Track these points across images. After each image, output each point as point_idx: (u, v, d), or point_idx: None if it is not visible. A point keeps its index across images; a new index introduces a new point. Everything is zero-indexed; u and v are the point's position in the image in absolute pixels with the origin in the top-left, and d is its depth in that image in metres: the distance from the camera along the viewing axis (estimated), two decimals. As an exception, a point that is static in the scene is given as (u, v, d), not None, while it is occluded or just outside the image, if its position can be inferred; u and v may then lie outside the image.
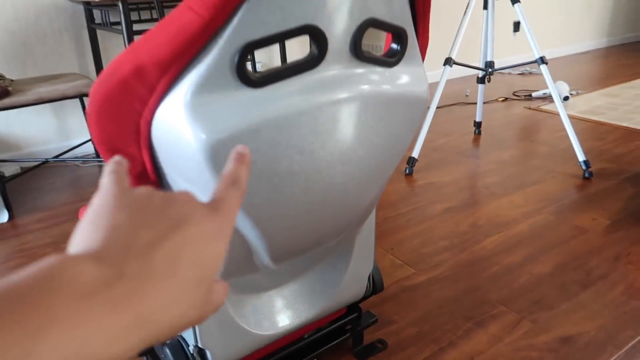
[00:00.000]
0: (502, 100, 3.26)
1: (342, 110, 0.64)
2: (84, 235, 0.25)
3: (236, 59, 0.55)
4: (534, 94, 3.30)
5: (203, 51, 0.55)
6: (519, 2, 2.16)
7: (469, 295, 1.30)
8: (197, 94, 0.55)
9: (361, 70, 0.66)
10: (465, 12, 2.20)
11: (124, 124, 0.59)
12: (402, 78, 0.70)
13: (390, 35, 0.70)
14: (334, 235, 0.81)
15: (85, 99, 2.41)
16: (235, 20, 0.54)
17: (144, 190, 0.29)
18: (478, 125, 2.59)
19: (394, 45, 0.70)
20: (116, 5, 1.98)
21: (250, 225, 0.66)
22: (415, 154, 2.12)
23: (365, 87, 0.65)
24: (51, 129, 2.45)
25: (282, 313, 0.89)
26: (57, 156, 2.40)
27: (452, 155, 2.32)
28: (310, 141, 0.63)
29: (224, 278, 0.77)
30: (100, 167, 2.35)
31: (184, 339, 0.81)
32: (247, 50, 0.55)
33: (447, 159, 2.27)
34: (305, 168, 0.64)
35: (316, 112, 0.61)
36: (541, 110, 2.99)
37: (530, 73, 4.06)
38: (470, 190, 1.95)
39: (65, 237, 1.70)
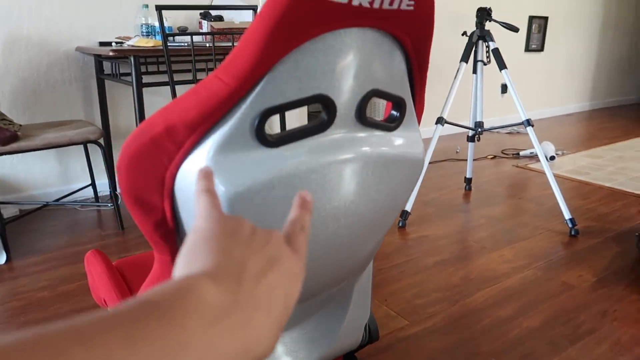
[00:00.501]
0: (491, 158, 3.38)
1: (346, 169, 0.71)
2: (197, 255, 0.27)
3: (256, 122, 0.62)
4: (521, 153, 3.43)
5: (228, 115, 0.62)
6: (506, 68, 2.31)
7: (461, 347, 1.33)
8: (220, 152, 0.62)
9: (364, 134, 0.73)
10: (456, 76, 2.34)
11: (151, 176, 0.65)
12: (401, 141, 0.78)
13: (390, 104, 0.79)
14: (335, 283, 0.86)
15: (89, 145, 2.48)
16: (257, 89, 0.61)
17: (240, 219, 0.30)
18: (468, 181, 2.69)
19: (394, 112, 0.78)
20: (127, 58, 2.09)
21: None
22: (408, 207, 2.19)
23: (367, 148, 0.73)
24: (53, 173, 2.51)
25: (282, 359, 0.92)
26: (57, 200, 2.44)
27: (443, 209, 2.40)
28: (319, 196, 0.69)
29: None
30: (99, 210, 2.39)
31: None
32: (266, 116, 0.63)
33: (439, 213, 2.34)
34: (313, 221, 0.70)
35: (324, 170, 0.68)
36: (529, 169, 3.10)
37: (518, 132, 4.22)
38: (462, 244, 2.01)
39: (61, 281, 1.72)
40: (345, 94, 0.68)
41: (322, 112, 0.68)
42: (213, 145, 0.62)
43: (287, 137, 0.66)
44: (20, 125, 2.16)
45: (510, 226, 2.19)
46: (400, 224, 2.17)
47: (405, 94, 0.77)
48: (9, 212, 2.34)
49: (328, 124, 0.68)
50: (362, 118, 0.72)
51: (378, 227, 0.81)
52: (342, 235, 0.76)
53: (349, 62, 0.67)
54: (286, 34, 0.60)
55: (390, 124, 0.77)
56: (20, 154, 2.40)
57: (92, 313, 0.21)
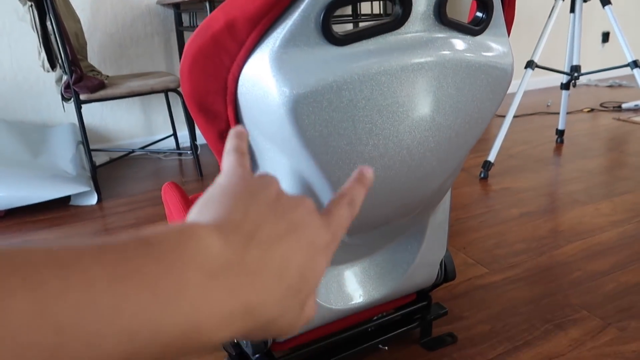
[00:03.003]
0: (588, 111, 3.08)
1: (422, 73, 0.63)
2: (210, 207, 0.25)
3: (322, 15, 0.57)
4: (624, 105, 3.09)
5: (291, 7, 0.57)
6: (610, 3, 2.04)
7: (547, 298, 1.23)
8: (283, 48, 0.57)
9: (444, 35, 0.65)
10: (550, 14, 2.11)
11: (213, 79, 0.62)
12: (486, 48, 0.69)
13: (474, 3, 0.69)
14: (407, 211, 0.80)
15: (170, 93, 2.56)
16: (323, -24, 0.55)
17: (269, 181, 0.28)
18: (560, 133, 2.46)
19: (479, 14, 0.69)
20: (203, 6, 2.10)
21: (326, 187, 0.67)
22: (491, 158, 2.05)
23: (447, 52, 0.65)
24: (138, 124, 2.63)
25: (351, 289, 0.88)
26: (142, 147, 2.56)
27: (530, 162, 2.22)
28: (390, 102, 0.63)
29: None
30: (180, 160, 2.49)
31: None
32: (333, 7, 0.57)
33: (525, 166, 2.17)
34: (383, 130, 0.64)
35: (397, 73, 0.62)
36: (632, 122, 2.79)
37: (620, 85, 3.81)
38: (551, 197, 1.85)
39: (145, 220, 1.80)
40: (422, -15, 0.60)
41: (396, 6, 0.61)
42: (276, 41, 0.58)
43: (357, 35, 0.60)
44: (108, 75, 2.27)
45: (608, 180, 1.98)
46: (482, 175, 2.04)
47: (493, -9, 0.67)
48: (100, 159, 2.50)
49: (402, 21, 0.61)
50: (442, 16, 0.64)
51: (455, 148, 0.74)
52: (415, 153, 0.69)
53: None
54: None
55: (475, 27, 0.68)
56: (109, 106, 2.53)
57: (81, 239, 0.20)
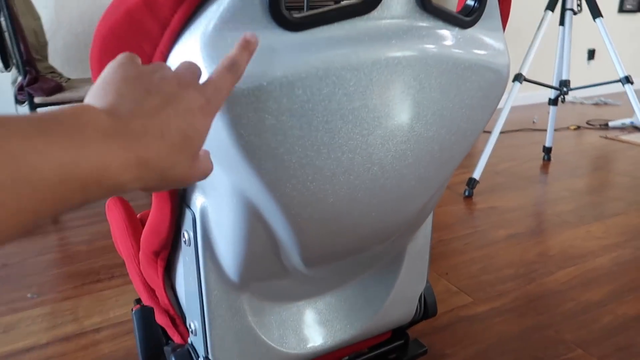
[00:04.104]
0: (574, 129, 3.00)
1: (398, 71, 0.50)
2: (98, 96, 0.32)
3: (269, -11, 0.44)
4: (610, 123, 3.02)
5: (228, -23, 0.44)
6: (601, 16, 1.96)
7: (538, 333, 1.10)
8: (219, 31, 0.44)
9: (427, 24, 0.52)
10: (539, 26, 2.03)
11: (131, 71, 0.48)
12: (478, 44, 0.56)
13: (465, -11, 0.57)
14: (381, 238, 0.67)
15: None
16: (270, -62, 0.42)
17: (151, 67, 0.36)
18: (547, 150, 2.37)
19: (470, 2, 0.56)
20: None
21: (276, 210, 0.54)
22: (476, 175, 1.93)
23: (431, 46, 0.52)
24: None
25: (313, 330, 0.74)
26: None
27: (517, 180, 2.11)
28: (357, 106, 0.50)
29: (246, 280, 0.64)
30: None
31: (193, 349, 0.69)
32: (284, -20, 0.44)
33: (511, 184, 2.07)
34: (348, 140, 0.51)
35: (366, 69, 0.48)
36: (620, 140, 2.71)
37: (606, 103, 3.76)
38: (539, 217, 1.74)
39: (100, 236, 1.64)
40: (400, -42, 0.48)
41: (366, -16, 0.48)
42: (210, 23, 0.44)
43: (316, 18, 0.47)
44: (69, 78, 2.11)
45: (598, 200, 1.88)
46: (467, 193, 1.92)
47: (487, -26, 0.55)
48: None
49: (375, 2, 0.48)
50: (425, 1, 0.51)
51: (440, 163, 0.61)
52: (390, 170, 0.56)
53: None
54: None
55: (465, 17, 0.55)
56: (72, 111, 2.37)
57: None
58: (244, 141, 0.46)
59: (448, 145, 0.59)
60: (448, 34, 0.54)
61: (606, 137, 2.78)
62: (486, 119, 0.62)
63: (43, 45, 2.05)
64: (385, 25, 0.50)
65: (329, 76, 0.47)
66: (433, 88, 0.54)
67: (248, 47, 0.39)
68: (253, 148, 0.47)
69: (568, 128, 3.02)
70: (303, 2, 2.01)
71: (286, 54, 0.46)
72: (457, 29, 0.55)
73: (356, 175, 0.54)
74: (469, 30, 0.56)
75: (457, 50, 0.54)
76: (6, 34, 1.77)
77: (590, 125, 3.08)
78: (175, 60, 0.47)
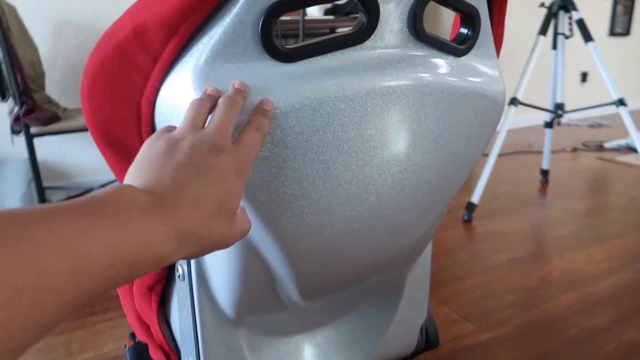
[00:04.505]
0: (571, 151, 3.01)
1: (393, 100, 0.50)
2: (135, 176, 0.34)
3: (261, 21, 0.43)
4: (606, 145, 3.03)
5: (220, 10, 0.43)
6: (593, 40, 1.99)
7: (542, 362, 1.07)
8: (210, 64, 0.43)
9: (421, 53, 0.52)
10: (532, 51, 2.05)
11: (122, 104, 0.48)
12: (472, 71, 0.56)
13: (458, 17, 0.57)
14: (379, 269, 0.65)
15: (135, 130, 2.40)
16: (262, -29, 0.42)
17: (183, 133, 0.37)
18: (545, 173, 2.37)
19: (463, 30, 0.56)
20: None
21: (271, 243, 0.52)
22: (475, 199, 1.92)
23: (425, 75, 0.52)
24: (100, 160, 2.46)
25: (311, 364, 0.72)
26: (103, 185, 2.38)
27: (515, 203, 2.10)
28: (352, 136, 0.49)
29: (242, 315, 0.62)
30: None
31: (188, 387, 0.66)
32: (276, 12, 0.43)
33: (510, 207, 2.05)
34: (344, 171, 0.50)
35: (361, 99, 0.48)
36: (616, 162, 2.72)
37: (600, 125, 3.79)
38: (538, 241, 1.72)
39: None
40: (392, -11, 0.48)
41: (360, 14, 0.48)
42: (201, 56, 0.44)
43: (309, 49, 0.46)
44: (66, 108, 2.12)
45: (597, 222, 1.87)
46: (466, 218, 1.91)
47: (480, 3, 0.55)
48: (57, 197, 2.31)
49: (368, 33, 0.48)
50: (418, 30, 0.51)
51: (438, 191, 0.60)
52: (387, 200, 0.55)
53: None
54: None
55: (459, 46, 0.55)
56: (68, 141, 2.37)
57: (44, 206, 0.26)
58: (237, 174, 0.45)
59: (445, 173, 0.58)
60: (442, 63, 0.54)
61: (602, 159, 2.79)
62: (483, 145, 0.61)
63: (40, 75, 2.06)
64: (379, 54, 0.49)
65: (323, 107, 0.46)
66: (429, 116, 0.53)
67: (267, 114, 0.42)
68: (247, 181, 0.46)
69: (564, 150, 3.03)
70: (298, 29, 2.03)
71: (279, 85, 0.45)
72: (451, 57, 0.55)
73: (353, 207, 0.53)
74: (464, 58, 0.56)
75: (452, 78, 0.54)
76: (3, 65, 1.78)
77: (586, 147, 3.09)
78: (167, 93, 0.46)
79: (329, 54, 0.47)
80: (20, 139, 1.94)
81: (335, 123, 0.47)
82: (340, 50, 0.48)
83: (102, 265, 0.26)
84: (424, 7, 0.50)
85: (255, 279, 0.57)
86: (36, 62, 2.03)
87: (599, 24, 4.07)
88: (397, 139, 0.52)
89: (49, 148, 2.32)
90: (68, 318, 0.25)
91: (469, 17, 0.55)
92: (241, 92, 0.41)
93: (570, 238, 1.73)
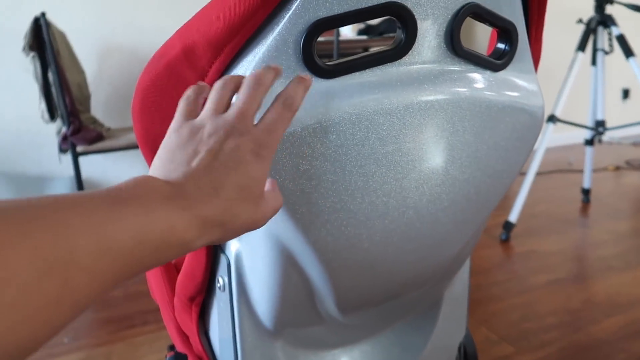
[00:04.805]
0: (614, 169, 2.92)
1: (431, 115, 0.51)
2: (157, 166, 0.36)
3: (302, 40, 0.45)
4: (651, 163, 2.92)
5: (263, 30, 0.46)
6: (634, 55, 1.94)
7: (588, 387, 1.03)
8: (254, 80, 0.45)
9: (458, 68, 0.53)
10: (571, 67, 2.01)
11: (170, 119, 0.50)
12: (510, 86, 0.56)
13: (495, 33, 0.58)
14: (417, 284, 0.65)
15: (174, 149, 2.48)
16: (304, -8, 0.44)
17: (202, 119, 0.37)
18: (586, 192, 2.30)
19: (501, 45, 0.56)
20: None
21: (310, 255, 0.53)
22: (512, 218, 1.88)
23: (463, 89, 0.52)
24: (141, 178, 2.54)
25: (348, 380, 0.72)
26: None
27: (555, 222, 2.05)
28: (390, 150, 0.50)
29: (280, 327, 0.63)
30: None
31: (226, 398, 0.67)
32: (317, 30, 0.45)
33: (550, 227, 2.00)
34: (383, 184, 0.51)
35: (399, 113, 0.49)
36: (662, 180, 2.61)
37: (645, 143, 3.65)
38: (581, 262, 1.66)
39: (137, 280, 1.66)
40: (429, 5, 0.49)
41: (398, 31, 0.49)
42: (245, 72, 0.46)
43: (348, 65, 0.48)
44: (110, 128, 2.21)
45: (644, 244, 1.79)
46: (503, 237, 1.87)
47: (517, 18, 0.55)
48: (99, 214, 2.39)
49: (406, 49, 0.49)
50: (456, 45, 0.52)
51: (476, 206, 0.60)
52: (425, 214, 0.55)
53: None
54: None
55: (496, 61, 0.55)
56: (111, 159, 2.46)
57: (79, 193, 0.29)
58: (280, 185, 0.47)
59: (484, 187, 0.58)
60: (480, 77, 0.54)
61: (648, 178, 2.69)
62: (522, 160, 0.61)
63: (86, 97, 2.16)
64: (417, 70, 0.50)
65: (361, 121, 0.48)
66: (466, 131, 0.53)
67: (304, 83, 0.40)
68: (288, 193, 0.47)
69: (606, 169, 2.94)
70: (332, 50, 2.06)
71: (319, 100, 0.46)
72: (489, 72, 0.55)
73: (391, 220, 0.53)
74: (501, 73, 0.56)
75: (489, 93, 0.54)
76: (53, 88, 1.88)
77: (629, 165, 2.99)
78: (212, 108, 0.48)
79: (367, 70, 0.49)
80: (67, 158, 2.03)
81: (373, 137, 0.48)
82: (379, 67, 0.49)
83: (128, 248, 0.28)
84: (461, 23, 0.51)
85: (294, 291, 0.58)
86: (83, 85, 2.13)
87: (641, 40, 3.96)
88: (434, 153, 0.52)
89: (93, 166, 2.42)
90: (95, 300, 0.28)
91: (506, 33, 0.55)
92: (271, 69, 0.39)
93: (615, 260, 1.66)
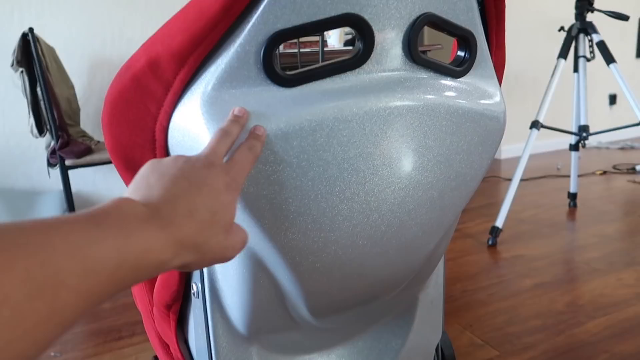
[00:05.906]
0: (601, 174, 2.94)
1: (391, 120, 0.52)
2: (134, 191, 0.37)
3: (263, 50, 0.47)
4: (638, 167, 2.95)
5: (225, 42, 0.47)
6: (615, 62, 1.98)
7: (569, 389, 1.04)
8: (217, 90, 0.47)
9: (418, 75, 0.55)
10: (553, 74, 2.05)
11: (139, 130, 0.52)
12: (470, 91, 0.58)
13: (456, 42, 0.60)
14: (388, 288, 0.66)
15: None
16: (263, 4, 0.46)
17: (176, 156, 0.40)
18: (573, 197, 2.32)
19: (460, 53, 0.59)
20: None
21: (278, 259, 0.55)
22: (499, 223, 1.90)
23: (423, 95, 0.54)
24: (132, 191, 2.55)
25: (325, 384, 0.73)
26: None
27: (542, 227, 2.07)
28: (352, 155, 0.51)
29: (254, 332, 0.64)
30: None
31: (202, 404, 0.68)
32: (276, 42, 0.47)
33: (536, 232, 2.02)
34: (345, 189, 0.52)
35: (359, 119, 0.51)
36: (649, 184, 2.64)
37: (632, 147, 3.70)
38: (567, 265, 1.68)
39: (123, 293, 1.66)
40: (386, 16, 0.51)
41: (357, 41, 0.51)
42: (209, 84, 0.48)
43: (308, 74, 0.50)
44: (99, 141, 2.22)
45: (629, 246, 1.81)
46: (490, 242, 1.88)
47: (475, 27, 0.57)
48: (89, 228, 2.39)
49: (364, 58, 0.51)
50: (414, 54, 0.54)
51: (441, 209, 0.61)
52: (390, 216, 0.57)
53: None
54: None
55: (456, 68, 0.57)
56: (101, 172, 2.47)
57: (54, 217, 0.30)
58: (243, 191, 0.48)
59: (448, 191, 0.60)
60: (440, 84, 0.56)
61: (634, 182, 2.71)
62: (485, 164, 0.62)
63: (76, 111, 2.18)
64: (377, 78, 0.52)
65: (322, 128, 0.49)
66: (427, 136, 0.55)
67: (257, 138, 0.45)
68: (252, 198, 0.49)
69: (594, 173, 2.97)
70: (318, 61, 2.09)
71: (281, 108, 0.48)
72: (449, 79, 0.57)
73: (356, 223, 0.55)
74: (462, 79, 0.58)
75: (450, 99, 0.56)
76: (42, 103, 1.89)
77: (617, 169, 3.02)
78: (178, 119, 0.50)
79: (328, 79, 0.50)
80: (56, 172, 2.04)
81: (335, 143, 0.50)
82: (340, 75, 0.51)
83: (109, 268, 0.30)
84: (418, 33, 0.53)
85: (265, 295, 0.60)
86: (72, 99, 2.15)
87: (626, 46, 4.02)
88: (396, 158, 0.54)
89: (83, 179, 2.43)
90: (81, 317, 0.29)
91: (465, 41, 0.57)
92: (238, 118, 0.45)
93: (600, 262, 1.68)
